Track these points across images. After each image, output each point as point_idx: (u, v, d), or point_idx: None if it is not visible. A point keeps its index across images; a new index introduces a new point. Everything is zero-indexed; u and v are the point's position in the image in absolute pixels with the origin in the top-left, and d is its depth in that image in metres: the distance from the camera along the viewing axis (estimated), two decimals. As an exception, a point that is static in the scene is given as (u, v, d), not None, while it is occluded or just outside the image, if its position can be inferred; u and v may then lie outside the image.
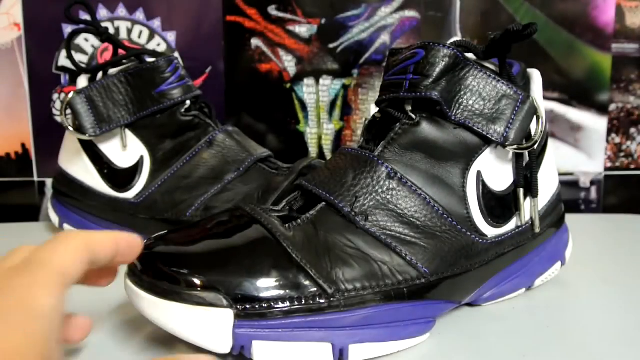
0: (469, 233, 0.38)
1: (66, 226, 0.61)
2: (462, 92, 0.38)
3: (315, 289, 0.33)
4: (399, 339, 0.35)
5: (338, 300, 0.33)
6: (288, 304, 0.32)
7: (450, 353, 0.36)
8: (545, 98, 0.44)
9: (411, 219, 0.36)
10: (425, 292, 0.36)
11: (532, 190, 0.41)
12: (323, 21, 0.74)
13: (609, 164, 0.77)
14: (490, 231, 0.40)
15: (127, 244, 0.32)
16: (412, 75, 0.39)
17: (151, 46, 0.74)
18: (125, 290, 0.35)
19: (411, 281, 0.36)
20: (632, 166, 0.77)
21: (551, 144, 0.45)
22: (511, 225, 0.41)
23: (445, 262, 0.37)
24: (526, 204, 0.41)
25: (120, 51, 0.59)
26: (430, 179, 0.38)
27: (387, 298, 0.35)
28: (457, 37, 0.50)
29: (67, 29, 0.73)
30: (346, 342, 0.33)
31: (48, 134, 0.74)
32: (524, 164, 0.40)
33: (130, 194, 0.57)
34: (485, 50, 0.40)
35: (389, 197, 0.37)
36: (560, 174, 0.47)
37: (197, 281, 0.32)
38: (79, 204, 0.60)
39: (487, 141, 0.39)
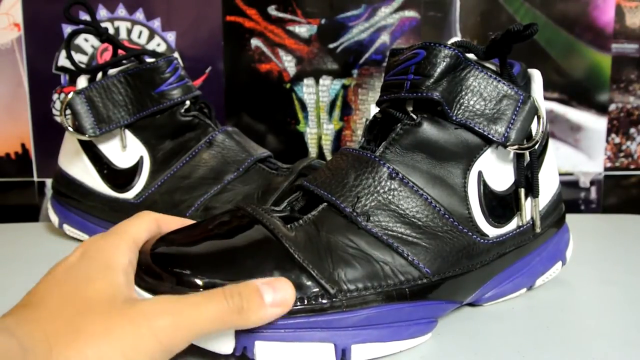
0: (470, 233, 0.38)
1: (66, 227, 0.61)
2: (463, 93, 0.38)
3: (317, 290, 0.33)
4: (400, 339, 0.35)
5: (340, 300, 0.33)
6: (290, 304, 0.32)
7: (451, 353, 0.36)
8: (545, 98, 0.45)
9: (412, 219, 0.36)
10: (427, 292, 0.36)
11: (533, 190, 0.41)
12: (323, 21, 0.74)
13: (608, 164, 0.77)
14: (491, 231, 0.40)
15: None
16: (413, 76, 0.39)
17: (151, 46, 0.74)
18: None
19: (413, 281, 0.36)
20: (632, 166, 0.77)
21: (551, 144, 0.45)
22: (512, 225, 0.41)
23: (447, 262, 0.37)
24: (527, 204, 0.41)
25: (120, 51, 0.59)
26: (432, 179, 0.38)
27: (389, 298, 0.35)
28: (457, 38, 0.50)
29: (67, 29, 0.73)
30: (348, 342, 0.33)
31: (48, 134, 0.74)
32: (525, 164, 0.40)
33: (130, 195, 0.57)
34: (486, 50, 0.40)
35: (390, 197, 0.37)
36: (560, 174, 0.47)
37: (199, 282, 0.32)
38: (78, 205, 0.60)
39: (488, 141, 0.39)
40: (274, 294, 0.31)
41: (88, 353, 0.25)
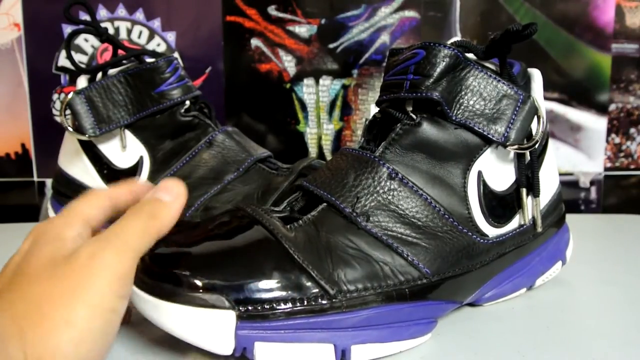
0: (470, 233, 0.38)
1: (66, 227, 0.61)
2: (463, 92, 0.38)
3: (317, 290, 0.33)
4: (400, 340, 0.35)
5: (340, 301, 0.33)
6: (290, 305, 0.32)
7: (451, 353, 0.36)
8: (545, 98, 0.45)
9: (412, 220, 0.36)
10: (426, 293, 0.36)
11: (533, 190, 0.41)
12: (323, 21, 0.74)
13: (608, 164, 0.77)
14: (491, 231, 0.40)
15: (142, 190, 0.36)
16: (412, 76, 0.39)
17: (151, 46, 0.74)
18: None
19: (413, 282, 0.36)
20: (632, 166, 0.77)
21: (551, 143, 0.45)
22: (512, 225, 0.41)
23: (447, 262, 0.37)
24: (527, 204, 0.41)
25: (120, 51, 0.59)
26: (431, 179, 0.38)
27: (389, 299, 0.35)
28: (457, 37, 0.50)
29: (67, 29, 0.73)
30: (348, 343, 0.33)
31: (48, 134, 0.74)
32: (525, 164, 0.40)
33: (130, 195, 0.57)
34: (486, 50, 0.40)
35: (390, 197, 0.36)
36: (560, 174, 0.47)
37: (198, 283, 0.32)
38: (78, 205, 0.59)
39: (487, 141, 0.39)
40: (168, 193, 0.34)
41: (56, 319, 0.26)
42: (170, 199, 0.33)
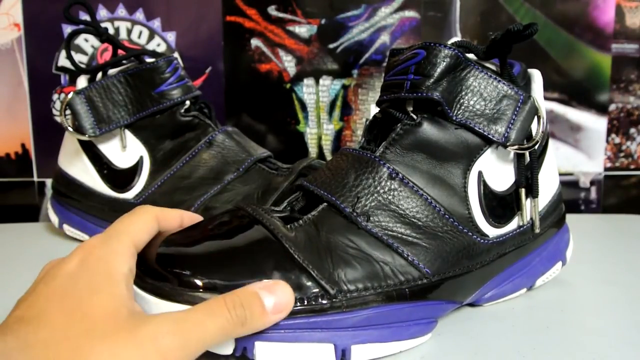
0: (470, 233, 0.38)
1: (66, 227, 0.61)
2: (463, 93, 0.38)
3: (317, 290, 0.33)
4: (400, 340, 0.35)
5: (340, 300, 0.33)
6: (290, 304, 0.32)
7: (451, 353, 0.36)
8: (545, 98, 0.45)
9: (413, 219, 0.36)
10: (427, 293, 0.36)
11: (532, 191, 0.41)
12: (323, 21, 0.74)
13: (608, 164, 0.77)
14: (491, 231, 0.40)
15: (190, 220, 0.37)
16: (413, 76, 0.39)
17: (151, 46, 0.74)
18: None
19: (413, 281, 0.36)
20: (632, 166, 0.77)
21: (551, 144, 0.45)
22: (512, 225, 0.41)
23: (447, 263, 0.37)
24: (527, 204, 0.41)
25: (120, 51, 0.59)
26: (432, 180, 0.38)
27: (389, 298, 0.35)
28: (457, 38, 0.50)
29: (67, 29, 0.73)
30: (348, 343, 0.33)
31: (48, 134, 0.74)
32: (525, 164, 0.40)
33: (129, 195, 0.57)
34: (486, 50, 0.40)
35: (390, 197, 0.37)
36: (560, 174, 0.47)
37: (198, 282, 0.32)
38: (78, 205, 0.60)
39: (488, 141, 0.39)
40: (274, 299, 0.31)
41: None
42: (273, 310, 0.31)
